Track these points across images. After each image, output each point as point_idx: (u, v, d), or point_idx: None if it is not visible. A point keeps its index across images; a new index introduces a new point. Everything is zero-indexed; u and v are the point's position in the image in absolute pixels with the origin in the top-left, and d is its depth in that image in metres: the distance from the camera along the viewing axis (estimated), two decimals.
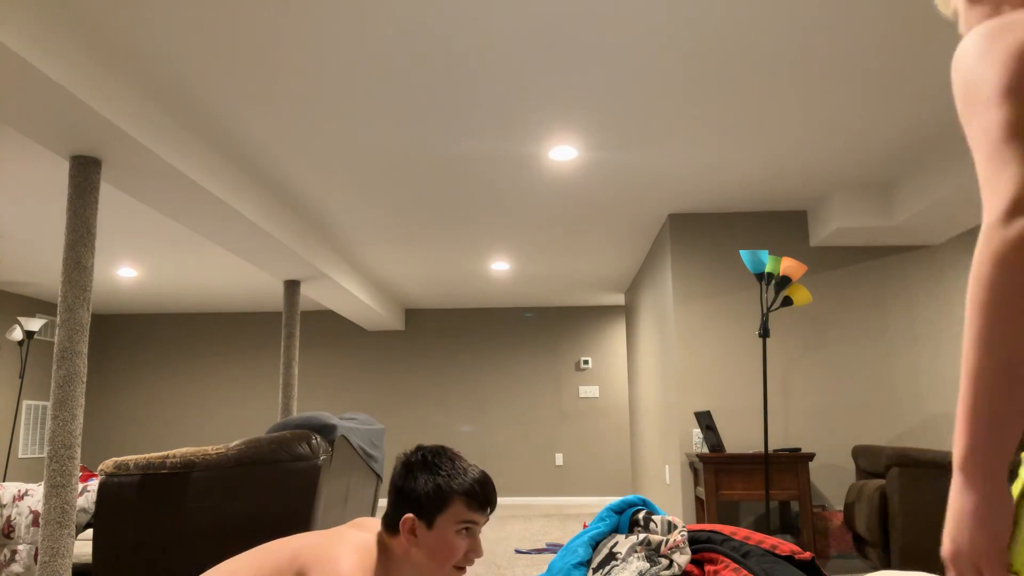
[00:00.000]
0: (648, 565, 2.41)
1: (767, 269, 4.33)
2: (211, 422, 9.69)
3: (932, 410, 5.29)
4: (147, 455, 3.12)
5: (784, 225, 5.55)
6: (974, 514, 0.81)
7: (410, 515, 1.62)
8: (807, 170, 4.78)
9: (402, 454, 1.72)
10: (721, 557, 2.39)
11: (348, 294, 7.19)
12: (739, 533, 2.51)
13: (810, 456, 4.57)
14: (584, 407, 9.51)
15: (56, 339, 3.44)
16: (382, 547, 1.66)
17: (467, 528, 1.64)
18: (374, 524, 1.75)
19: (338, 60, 3.39)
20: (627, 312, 8.68)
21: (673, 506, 5.54)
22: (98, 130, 3.40)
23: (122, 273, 7.60)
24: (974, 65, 0.87)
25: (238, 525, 2.98)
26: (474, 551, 1.65)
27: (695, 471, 5.10)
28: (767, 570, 2.28)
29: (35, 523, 3.88)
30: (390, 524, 1.65)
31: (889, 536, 3.85)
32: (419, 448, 1.71)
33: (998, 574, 0.81)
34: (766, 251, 4.39)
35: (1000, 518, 0.80)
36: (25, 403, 8.73)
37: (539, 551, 5.34)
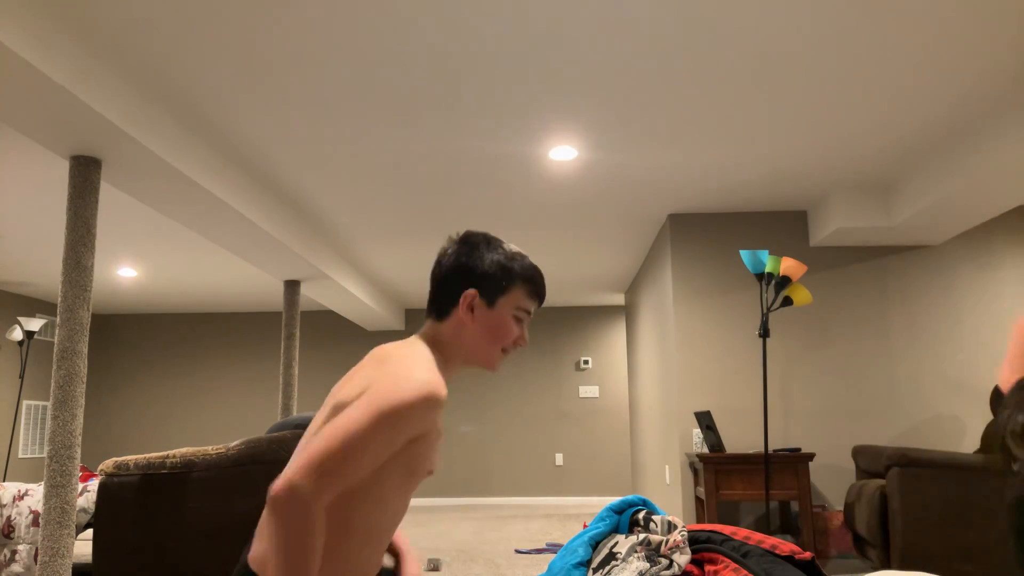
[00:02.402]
0: (648, 565, 2.41)
1: (767, 269, 4.33)
2: (211, 422, 9.69)
3: (932, 410, 5.29)
4: (147, 455, 3.12)
5: (784, 225, 5.55)
6: None
7: (473, 290, 1.55)
8: (807, 170, 4.78)
9: (455, 234, 1.64)
10: (721, 557, 2.39)
11: (348, 294, 7.19)
12: (739, 533, 2.51)
13: (810, 456, 4.57)
14: (584, 407, 9.51)
15: (56, 339, 3.44)
16: (427, 339, 1.58)
17: (521, 316, 1.61)
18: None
19: (338, 60, 3.39)
20: (627, 312, 8.68)
21: (673, 506, 5.54)
22: (98, 130, 3.40)
23: (122, 273, 7.60)
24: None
25: (238, 525, 2.98)
26: (523, 339, 1.62)
27: (695, 471, 5.10)
28: (767, 570, 2.28)
29: (35, 523, 3.88)
30: (442, 306, 1.58)
31: (889, 536, 3.85)
32: (472, 231, 1.65)
33: None
34: (766, 251, 4.39)
35: None
36: (25, 403, 8.73)
37: (539, 551, 5.34)
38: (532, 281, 1.60)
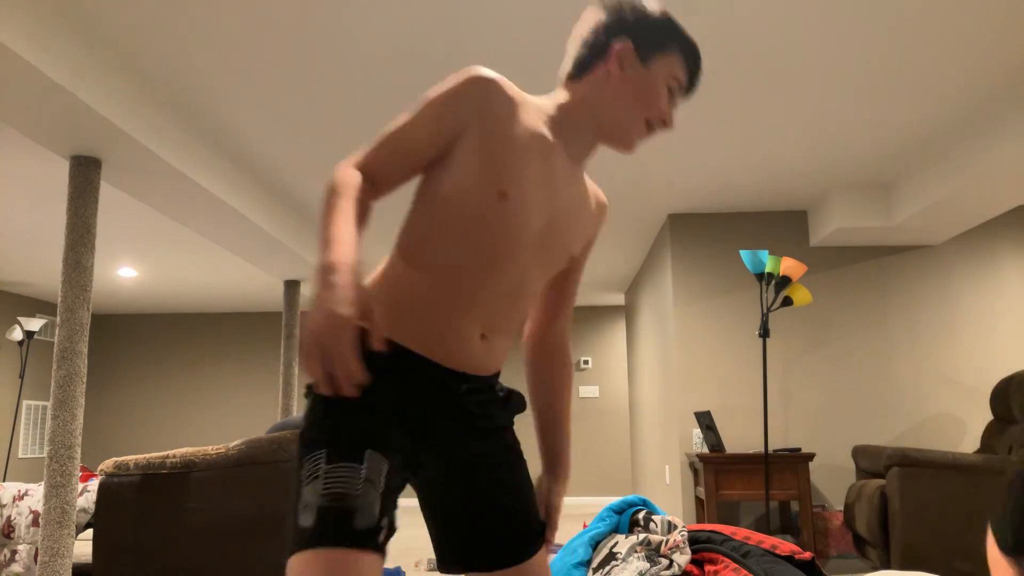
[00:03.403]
0: (648, 565, 2.40)
1: (767, 269, 4.33)
2: (211, 422, 9.69)
3: (932, 410, 5.29)
4: (147, 455, 3.12)
5: (784, 225, 5.55)
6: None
7: (627, 42, 1.29)
8: (807, 170, 4.78)
9: None
10: (721, 557, 2.39)
11: None
12: (739, 533, 2.51)
13: (810, 456, 4.57)
14: (584, 407, 9.51)
15: (56, 339, 3.44)
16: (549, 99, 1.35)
17: (673, 87, 1.34)
18: None
19: (338, 61, 3.39)
20: (627, 312, 8.68)
21: (673, 506, 5.54)
22: (98, 130, 3.40)
23: (122, 273, 7.60)
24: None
25: (238, 525, 2.98)
26: (670, 117, 1.35)
27: (695, 471, 5.10)
28: (767, 570, 2.28)
29: (35, 523, 3.88)
30: (581, 62, 1.31)
31: (889, 536, 3.85)
32: None
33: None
34: (766, 251, 4.39)
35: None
36: (25, 403, 8.73)
37: None
38: (692, 50, 1.33)
